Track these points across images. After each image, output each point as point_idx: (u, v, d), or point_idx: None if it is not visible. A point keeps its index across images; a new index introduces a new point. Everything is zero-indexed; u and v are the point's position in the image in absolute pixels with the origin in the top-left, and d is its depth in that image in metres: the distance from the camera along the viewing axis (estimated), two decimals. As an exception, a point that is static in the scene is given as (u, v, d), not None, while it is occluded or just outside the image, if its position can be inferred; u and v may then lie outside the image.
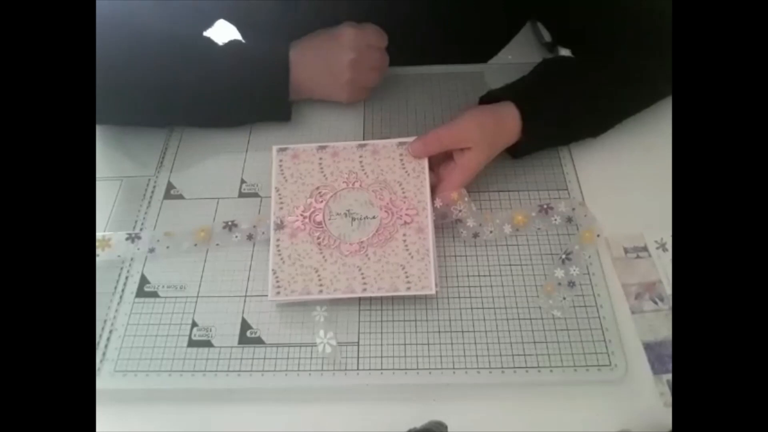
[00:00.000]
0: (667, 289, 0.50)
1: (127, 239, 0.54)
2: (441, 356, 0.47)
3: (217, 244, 0.54)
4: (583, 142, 0.60)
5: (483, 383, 0.45)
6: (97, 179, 0.60)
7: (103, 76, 0.49)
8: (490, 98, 0.57)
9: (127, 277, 0.53)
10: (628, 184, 0.57)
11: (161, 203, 0.58)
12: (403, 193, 0.52)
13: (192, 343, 0.49)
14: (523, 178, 0.58)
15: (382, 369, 0.46)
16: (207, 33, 0.61)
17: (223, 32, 0.68)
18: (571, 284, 0.50)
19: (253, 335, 0.49)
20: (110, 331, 0.50)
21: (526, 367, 0.46)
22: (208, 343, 0.49)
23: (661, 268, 0.51)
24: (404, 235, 0.51)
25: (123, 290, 0.52)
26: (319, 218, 0.52)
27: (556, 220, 0.54)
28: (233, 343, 0.48)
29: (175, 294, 0.52)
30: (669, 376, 0.45)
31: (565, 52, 0.69)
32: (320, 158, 0.55)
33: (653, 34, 0.56)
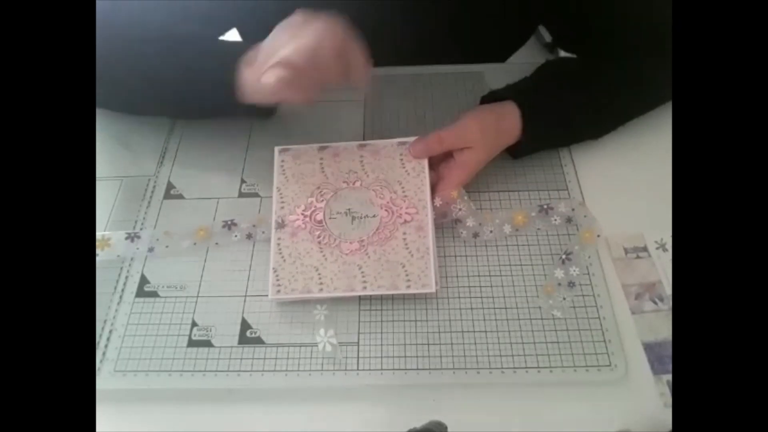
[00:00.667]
0: (667, 289, 0.50)
1: (126, 239, 0.55)
2: (441, 356, 0.47)
3: (217, 243, 0.54)
4: (583, 143, 0.60)
5: (483, 383, 0.45)
6: (97, 179, 0.60)
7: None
8: (491, 98, 0.57)
9: (127, 277, 0.53)
10: (628, 184, 0.57)
11: (161, 203, 0.58)
12: (404, 192, 0.53)
13: (192, 343, 0.49)
14: (523, 178, 0.58)
15: (382, 369, 0.46)
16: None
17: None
18: (571, 284, 0.50)
19: (253, 335, 0.49)
20: (110, 331, 0.50)
21: (526, 367, 0.46)
22: (208, 343, 0.49)
23: (661, 268, 0.51)
24: (404, 233, 0.51)
25: (123, 290, 0.52)
26: (319, 217, 0.52)
27: (556, 220, 0.54)
28: (233, 343, 0.48)
29: (175, 294, 0.52)
30: (669, 376, 0.45)
31: (565, 54, 0.69)
32: (321, 158, 0.55)
33: (655, 38, 0.56)
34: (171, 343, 0.49)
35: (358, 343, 0.48)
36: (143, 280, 0.53)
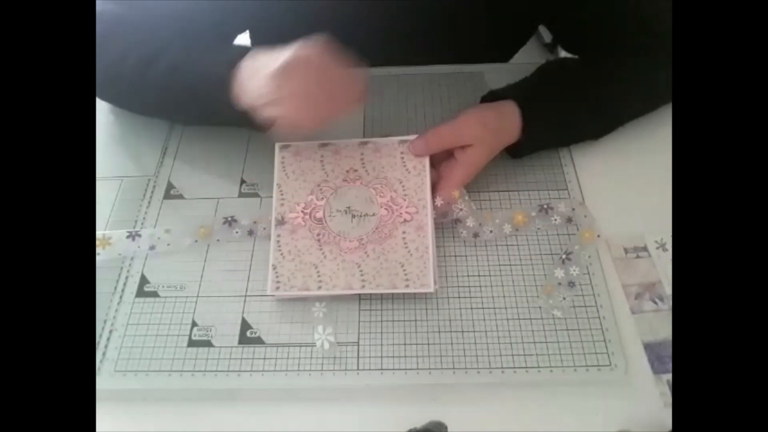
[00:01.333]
0: (667, 289, 0.50)
1: (127, 237, 0.54)
2: (441, 356, 0.47)
3: (218, 240, 0.55)
4: (583, 143, 0.60)
5: (483, 383, 0.45)
6: (97, 179, 0.60)
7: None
8: (491, 98, 0.57)
9: (127, 277, 0.53)
10: (628, 184, 0.57)
11: (161, 203, 0.58)
12: (404, 191, 0.53)
13: (192, 343, 0.49)
14: (523, 178, 0.58)
15: (382, 369, 0.46)
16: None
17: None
18: (571, 284, 0.50)
19: (253, 335, 0.49)
20: (110, 331, 0.50)
21: (526, 367, 0.46)
22: (208, 343, 0.49)
23: (661, 268, 0.51)
24: (404, 232, 0.51)
25: (123, 290, 0.52)
26: (319, 215, 0.52)
27: (556, 220, 0.54)
28: (233, 343, 0.48)
29: (175, 294, 0.52)
30: (669, 376, 0.45)
31: (566, 54, 0.69)
32: (322, 155, 0.55)
33: (656, 39, 0.56)
34: (171, 343, 0.49)
35: (358, 343, 0.48)
36: (143, 280, 0.53)
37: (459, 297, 0.50)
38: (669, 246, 0.52)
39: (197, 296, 0.51)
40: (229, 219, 0.55)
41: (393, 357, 0.47)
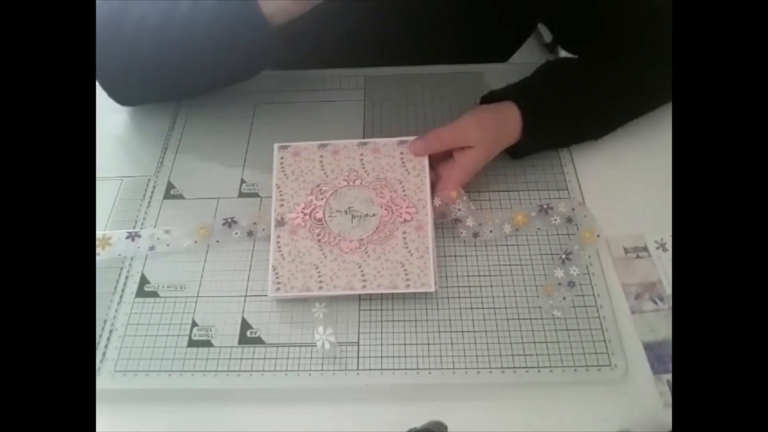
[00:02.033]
0: (667, 289, 0.50)
1: (127, 237, 0.55)
2: (441, 356, 0.47)
3: (217, 241, 0.55)
4: (583, 142, 0.60)
5: (483, 383, 0.45)
6: (97, 179, 0.60)
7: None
8: (491, 98, 0.57)
9: (127, 277, 0.53)
10: (628, 184, 0.57)
11: (161, 203, 0.58)
12: (404, 191, 0.53)
13: (192, 343, 0.49)
14: (523, 178, 0.58)
15: (382, 369, 0.46)
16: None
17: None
18: (571, 284, 0.50)
19: (253, 335, 0.49)
20: (110, 331, 0.50)
21: (526, 367, 0.46)
22: (208, 343, 0.49)
23: (661, 268, 0.51)
24: (404, 232, 0.51)
25: (123, 290, 0.52)
26: (319, 215, 0.52)
27: (556, 220, 0.54)
28: (233, 343, 0.48)
29: (175, 294, 0.52)
30: (669, 376, 0.45)
31: (566, 53, 0.69)
32: (321, 156, 0.55)
33: (656, 38, 0.56)
34: (171, 343, 0.49)
35: (358, 343, 0.48)
36: (143, 280, 0.53)
37: (459, 297, 0.50)
38: (669, 246, 0.52)
39: (197, 296, 0.51)
40: (229, 220, 0.55)
41: (393, 357, 0.47)
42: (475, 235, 0.53)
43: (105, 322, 0.50)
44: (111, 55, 0.54)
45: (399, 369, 0.46)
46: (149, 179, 0.61)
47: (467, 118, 0.54)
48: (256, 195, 0.58)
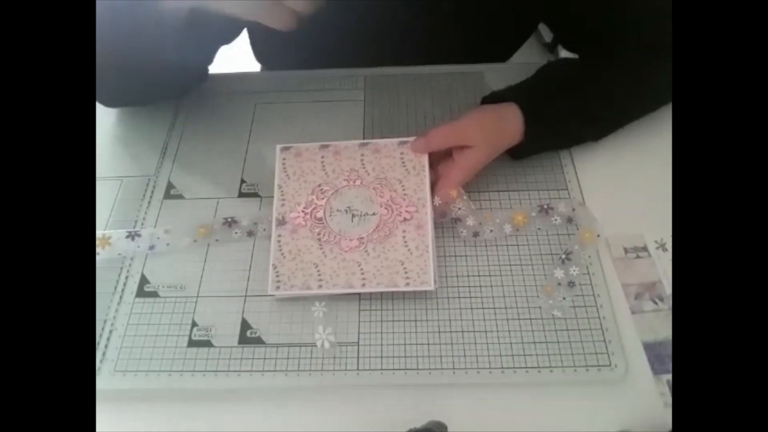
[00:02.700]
0: (667, 289, 0.50)
1: (127, 237, 0.55)
2: (441, 356, 0.47)
3: (217, 240, 0.55)
4: (583, 143, 0.60)
5: (483, 383, 0.45)
6: (97, 179, 0.60)
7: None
8: (493, 99, 0.57)
9: (127, 277, 0.53)
10: (628, 184, 0.57)
11: (161, 203, 0.58)
12: (404, 190, 0.53)
13: (192, 343, 0.49)
14: (523, 178, 0.58)
15: (382, 369, 0.46)
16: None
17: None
18: (571, 284, 0.50)
19: (253, 335, 0.49)
20: (110, 331, 0.50)
21: (526, 367, 0.46)
22: (208, 343, 0.49)
23: (661, 268, 0.51)
24: (404, 231, 0.51)
25: (123, 290, 0.52)
26: (319, 214, 0.52)
27: (556, 220, 0.54)
28: (233, 343, 0.48)
29: (175, 294, 0.52)
30: (669, 376, 0.45)
31: (566, 54, 0.69)
32: (322, 156, 0.55)
33: (657, 39, 0.56)
34: (171, 343, 0.49)
35: (358, 343, 0.48)
36: (143, 280, 0.53)
37: (459, 297, 0.50)
38: (669, 246, 0.52)
39: (197, 296, 0.51)
40: (229, 220, 0.55)
41: (393, 357, 0.47)
42: (475, 234, 0.53)
43: (105, 322, 0.50)
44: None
45: (399, 369, 0.46)
46: (149, 179, 0.61)
47: (468, 118, 0.54)
48: (256, 195, 0.58)
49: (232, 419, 0.45)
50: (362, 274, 0.49)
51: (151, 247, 0.54)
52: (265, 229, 0.54)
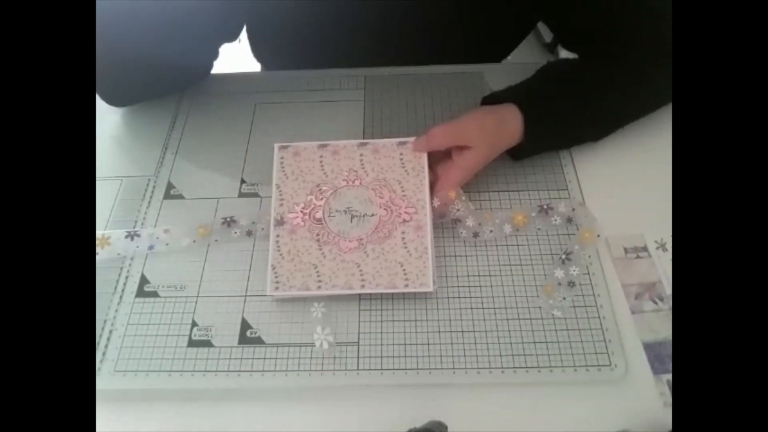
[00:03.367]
0: (667, 289, 0.50)
1: (126, 237, 0.54)
2: (441, 356, 0.47)
3: (216, 240, 0.55)
4: (583, 143, 0.60)
5: (483, 383, 0.45)
6: (97, 179, 0.60)
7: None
8: (492, 99, 0.57)
9: (127, 277, 0.53)
10: (628, 184, 0.57)
11: (161, 203, 0.58)
12: (403, 191, 0.53)
13: (192, 343, 0.49)
14: (523, 178, 0.58)
15: (382, 369, 0.46)
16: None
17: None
18: (571, 284, 0.50)
19: (253, 335, 0.49)
20: (110, 331, 0.50)
21: (526, 367, 0.46)
22: (208, 343, 0.49)
23: (661, 268, 0.51)
24: (403, 232, 0.51)
25: (123, 290, 0.52)
26: (318, 215, 0.52)
27: (556, 220, 0.54)
28: (233, 343, 0.48)
29: (175, 294, 0.52)
30: (669, 376, 0.45)
31: (566, 53, 0.69)
32: (321, 156, 0.55)
33: (657, 39, 0.56)
34: (171, 343, 0.49)
35: (358, 343, 0.48)
36: (143, 280, 0.53)
37: (459, 297, 0.50)
38: (669, 246, 0.52)
39: (197, 296, 0.51)
40: (228, 219, 0.55)
41: (393, 357, 0.47)
42: (475, 235, 0.53)
43: (105, 322, 0.50)
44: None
45: (399, 369, 0.46)
46: (149, 179, 0.61)
47: (468, 118, 0.54)
48: (256, 195, 0.58)
49: (232, 419, 0.45)
50: (361, 275, 0.49)
51: (151, 247, 0.54)
52: (263, 229, 0.54)
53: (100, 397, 0.44)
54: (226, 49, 0.65)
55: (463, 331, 0.48)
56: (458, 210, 0.53)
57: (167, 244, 0.54)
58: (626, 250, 0.52)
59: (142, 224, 0.57)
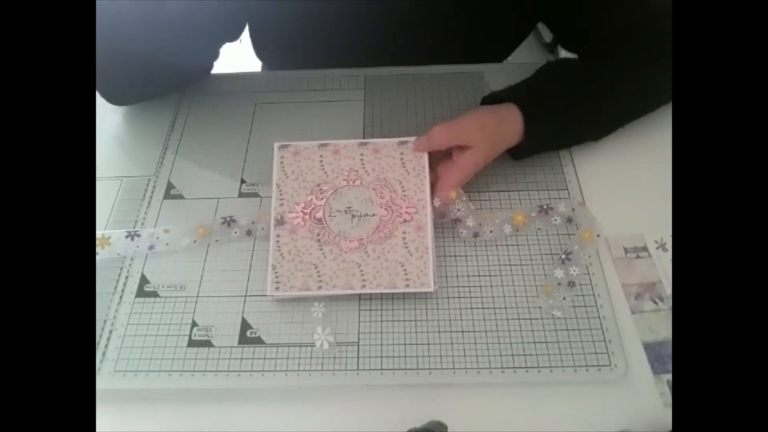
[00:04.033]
0: (667, 289, 0.50)
1: (126, 237, 0.55)
2: (441, 356, 0.47)
3: (216, 240, 0.55)
4: (583, 143, 0.60)
5: (483, 383, 0.45)
6: (97, 179, 0.60)
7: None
8: (492, 99, 0.57)
9: (127, 277, 0.53)
10: (628, 184, 0.57)
11: (161, 203, 0.58)
12: (403, 191, 0.53)
13: (192, 343, 0.49)
14: (523, 178, 0.58)
15: (382, 369, 0.46)
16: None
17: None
18: (571, 284, 0.50)
19: (253, 335, 0.49)
20: (110, 331, 0.50)
21: (526, 367, 0.46)
22: (208, 343, 0.49)
23: (661, 268, 0.51)
24: (404, 232, 0.51)
25: (123, 290, 0.52)
26: (319, 215, 0.52)
27: (556, 220, 0.54)
28: (233, 343, 0.48)
29: (175, 294, 0.52)
30: (669, 376, 0.45)
31: (566, 53, 0.69)
32: (321, 155, 0.55)
33: (657, 39, 0.56)
34: (171, 343, 0.49)
35: (358, 343, 0.48)
36: (143, 280, 0.53)
37: (459, 297, 0.50)
38: (669, 246, 0.52)
39: (197, 296, 0.51)
40: (228, 219, 0.55)
41: (393, 357, 0.47)
42: (476, 235, 0.53)
43: (105, 322, 0.50)
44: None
45: (399, 369, 0.46)
46: (149, 179, 0.61)
47: (468, 118, 0.54)
48: (256, 195, 0.58)
49: (232, 419, 0.45)
50: (362, 275, 0.49)
51: (151, 247, 0.54)
52: (263, 229, 0.54)
53: (100, 397, 0.44)
54: (226, 49, 0.65)
55: (463, 331, 0.48)
56: (458, 210, 0.53)
57: (167, 244, 0.54)
58: (626, 250, 0.52)
59: (142, 224, 0.57)
